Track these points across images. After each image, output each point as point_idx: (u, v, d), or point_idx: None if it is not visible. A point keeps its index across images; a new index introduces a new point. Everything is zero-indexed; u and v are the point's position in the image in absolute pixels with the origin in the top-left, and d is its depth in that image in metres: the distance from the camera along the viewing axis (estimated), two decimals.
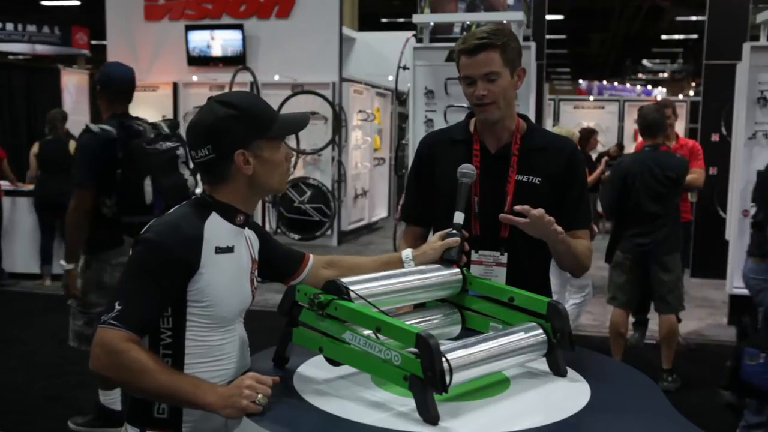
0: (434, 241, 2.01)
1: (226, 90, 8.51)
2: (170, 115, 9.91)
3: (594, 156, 9.26)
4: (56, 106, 9.56)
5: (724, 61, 7.32)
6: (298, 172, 9.81)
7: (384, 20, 18.71)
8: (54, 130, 7.50)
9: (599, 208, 6.62)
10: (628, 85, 24.79)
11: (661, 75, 28.77)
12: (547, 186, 2.17)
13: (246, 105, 1.70)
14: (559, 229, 1.99)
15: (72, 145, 6.87)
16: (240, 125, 1.67)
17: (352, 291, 1.65)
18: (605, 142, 12.28)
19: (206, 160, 1.68)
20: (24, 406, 4.26)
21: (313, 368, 1.76)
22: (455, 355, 1.50)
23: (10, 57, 14.75)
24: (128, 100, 3.66)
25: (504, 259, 2.18)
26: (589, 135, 8.42)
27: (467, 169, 2.01)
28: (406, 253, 1.99)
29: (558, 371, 1.74)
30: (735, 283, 6.05)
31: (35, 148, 7.76)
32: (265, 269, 1.89)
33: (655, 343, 5.13)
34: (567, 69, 27.70)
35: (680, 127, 11.26)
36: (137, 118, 3.62)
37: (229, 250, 1.70)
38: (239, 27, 9.95)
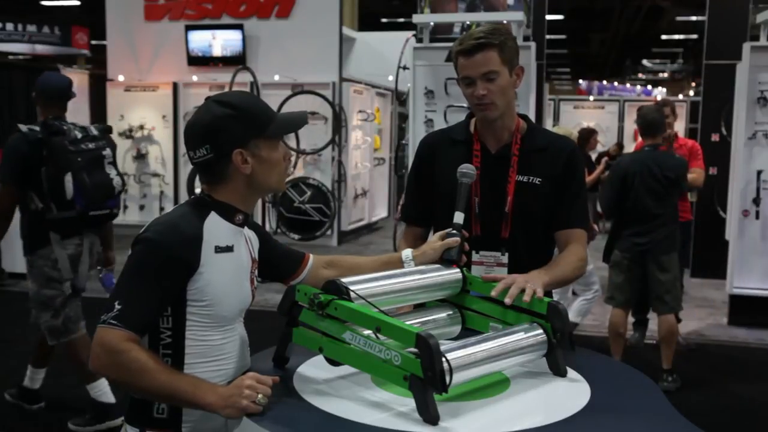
0: (434, 241, 2.01)
1: (227, 90, 8.51)
2: (171, 116, 9.89)
3: (594, 156, 9.25)
4: None
5: (724, 61, 7.32)
6: (298, 172, 9.80)
7: (384, 20, 18.70)
8: None
9: (599, 208, 6.62)
10: (628, 85, 24.77)
11: (661, 75, 28.77)
12: (548, 186, 2.17)
13: (243, 104, 1.70)
14: (540, 280, 1.87)
15: None
16: (238, 124, 1.67)
17: (352, 291, 1.65)
18: (605, 142, 12.26)
19: (204, 159, 1.68)
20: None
21: (313, 368, 1.76)
22: (455, 355, 1.50)
23: (10, 57, 14.73)
24: (62, 105, 3.84)
25: (505, 259, 2.18)
26: (588, 135, 8.41)
27: (467, 169, 2.01)
28: (406, 253, 1.99)
29: (558, 371, 1.74)
30: (735, 283, 6.05)
31: None
32: (265, 269, 1.89)
33: (655, 343, 5.12)
34: (567, 69, 27.70)
35: (680, 127, 11.27)
36: (69, 122, 3.77)
37: (229, 249, 1.70)
38: (239, 27, 9.94)
